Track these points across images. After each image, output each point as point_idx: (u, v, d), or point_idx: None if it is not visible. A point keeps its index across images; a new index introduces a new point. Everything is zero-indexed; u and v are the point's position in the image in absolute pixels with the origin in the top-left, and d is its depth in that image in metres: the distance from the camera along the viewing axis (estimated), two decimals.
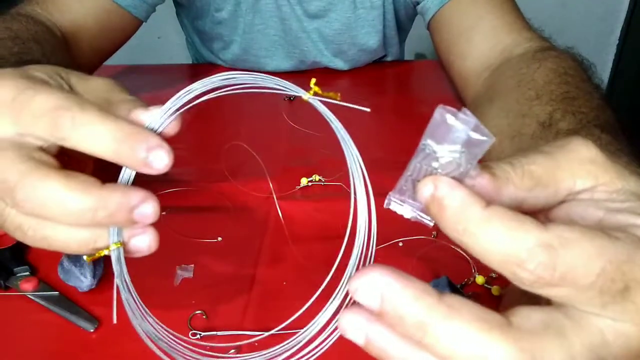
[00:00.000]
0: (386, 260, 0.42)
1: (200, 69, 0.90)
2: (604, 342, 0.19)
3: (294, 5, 0.75)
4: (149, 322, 0.27)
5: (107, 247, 0.26)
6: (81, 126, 0.25)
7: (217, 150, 0.55)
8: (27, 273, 0.42)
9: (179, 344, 0.28)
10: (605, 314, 0.19)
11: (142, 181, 0.61)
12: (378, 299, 0.19)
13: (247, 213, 0.50)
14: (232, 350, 0.36)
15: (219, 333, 0.37)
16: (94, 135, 0.25)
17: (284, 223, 0.47)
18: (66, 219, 0.24)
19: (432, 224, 0.22)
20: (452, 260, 0.42)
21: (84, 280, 0.39)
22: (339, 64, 0.80)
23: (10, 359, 0.36)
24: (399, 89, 0.80)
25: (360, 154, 0.27)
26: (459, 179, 0.20)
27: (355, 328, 0.20)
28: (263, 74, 0.26)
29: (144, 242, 0.27)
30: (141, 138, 0.26)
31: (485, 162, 0.21)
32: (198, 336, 0.37)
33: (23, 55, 0.47)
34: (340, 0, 0.74)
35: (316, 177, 0.53)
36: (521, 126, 0.44)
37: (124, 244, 0.26)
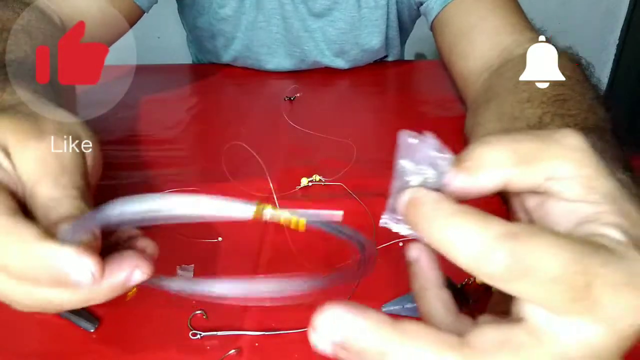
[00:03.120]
0: (386, 260, 0.42)
1: (200, 68, 0.90)
2: (565, 355, 0.19)
3: (298, 4, 0.75)
4: None
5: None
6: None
7: (217, 150, 0.55)
8: None
9: None
10: (568, 315, 0.19)
11: (141, 182, 0.61)
12: (338, 336, 0.19)
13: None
14: (233, 351, 0.36)
15: (219, 333, 0.37)
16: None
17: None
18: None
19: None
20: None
21: None
22: (340, 64, 0.80)
23: (10, 359, 0.36)
24: (400, 89, 0.80)
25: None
26: (438, 190, 0.21)
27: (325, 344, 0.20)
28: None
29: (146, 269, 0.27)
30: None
31: (461, 153, 0.22)
32: (198, 336, 0.37)
33: (7, 54, 0.45)
34: None
35: (316, 177, 0.53)
36: (513, 130, 0.44)
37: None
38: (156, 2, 0.71)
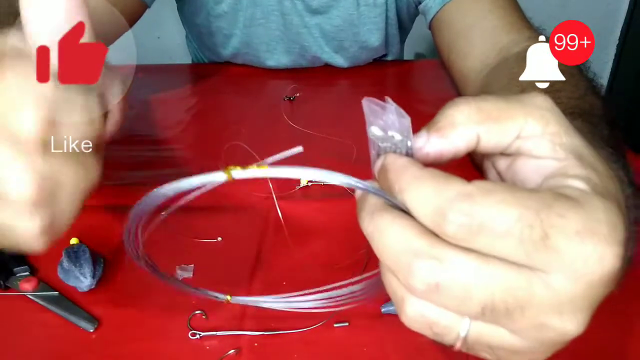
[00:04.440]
0: None
1: (200, 68, 0.90)
2: (528, 291, 0.19)
3: (296, 0, 0.75)
4: None
5: None
6: None
7: (217, 150, 0.55)
8: (27, 273, 0.42)
9: None
10: (532, 268, 0.19)
11: (140, 182, 0.61)
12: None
13: (247, 213, 0.50)
14: (232, 351, 0.36)
15: (219, 333, 0.37)
16: None
17: (283, 223, 0.47)
18: None
19: None
20: None
21: (83, 281, 0.39)
22: (339, 61, 0.80)
23: (10, 359, 0.36)
24: (399, 89, 0.80)
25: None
26: (410, 154, 0.23)
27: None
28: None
29: None
30: None
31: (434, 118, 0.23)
32: (198, 336, 0.37)
33: None
34: None
35: None
36: None
37: None
38: None
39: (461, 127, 0.22)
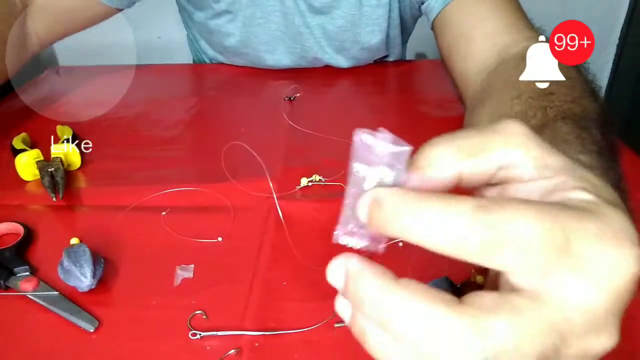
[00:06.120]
0: (385, 260, 0.42)
1: (200, 68, 0.90)
2: (565, 318, 0.18)
3: (298, 0, 0.75)
4: None
5: None
6: None
7: (217, 150, 0.55)
8: (27, 273, 0.42)
9: None
10: (557, 276, 0.18)
11: (140, 182, 0.61)
12: (342, 279, 0.21)
13: (247, 213, 0.50)
14: (232, 351, 0.36)
15: (219, 333, 0.37)
16: None
17: (284, 223, 0.47)
18: None
19: (382, 249, 0.23)
20: (452, 260, 0.42)
21: (84, 281, 0.39)
22: (340, 62, 0.80)
23: (10, 359, 0.36)
24: (400, 89, 0.80)
25: None
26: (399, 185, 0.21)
27: (342, 308, 0.22)
28: None
29: None
30: None
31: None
32: (198, 336, 0.37)
33: None
34: None
35: (316, 177, 0.53)
36: None
37: None
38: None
39: (440, 168, 0.21)
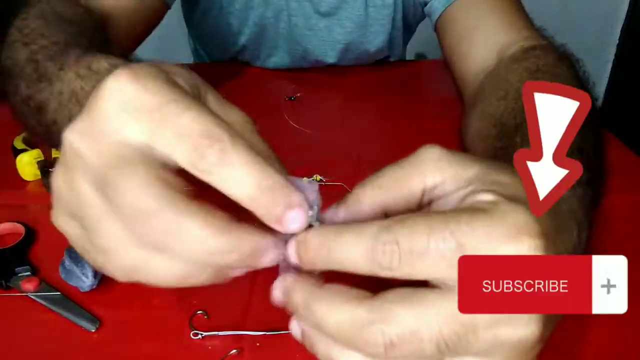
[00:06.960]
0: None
1: (200, 68, 0.90)
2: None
3: (303, 2, 0.75)
4: None
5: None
6: (229, 165, 0.22)
7: None
8: (29, 273, 0.42)
9: None
10: (456, 273, 0.20)
11: None
12: (283, 294, 0.24)
13: (247, 213, 0.50)
14: (234, 351, 0.36)
15: (221, 333, 0.37)
16: (238, 178, 0.22)
17: None
18: (189, 257, 0.23)
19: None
20: None
21: (85, 281, 0.39)
22: (342, 63, 0.80)
23: (10, 359, 0.37)
24: (401, 89, 0.80)
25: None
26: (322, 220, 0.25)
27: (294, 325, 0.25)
28: None
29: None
30: (285, 192, 0.23)
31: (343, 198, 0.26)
32: (200, 336, 0.37)
33: (77, 38, 0.44)
34: None
35: (316, 177, 0.53)
36: (488, 127, 0.46)
37: None
38: None
39: (360, 205, 0.25)
